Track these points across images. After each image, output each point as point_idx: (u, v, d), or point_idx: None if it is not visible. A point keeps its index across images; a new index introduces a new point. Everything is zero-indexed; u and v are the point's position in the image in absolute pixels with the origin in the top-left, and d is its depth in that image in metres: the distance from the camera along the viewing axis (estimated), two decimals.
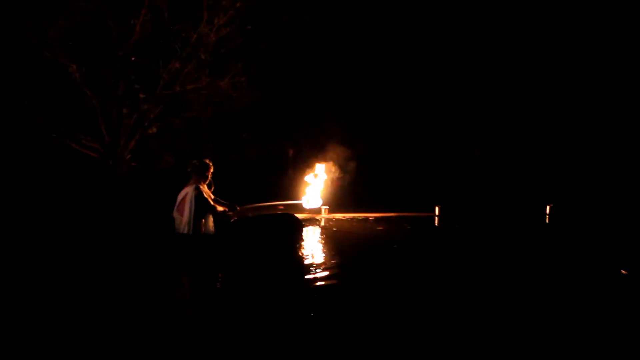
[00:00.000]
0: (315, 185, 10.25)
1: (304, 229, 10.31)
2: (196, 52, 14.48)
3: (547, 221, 12.40)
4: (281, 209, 10.65)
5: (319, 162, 10.61)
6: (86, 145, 14.02)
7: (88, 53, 13.23)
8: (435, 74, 18.23)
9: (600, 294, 6.95)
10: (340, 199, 12.25)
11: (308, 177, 10.22)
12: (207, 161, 8.00)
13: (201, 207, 7.79)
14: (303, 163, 14.16)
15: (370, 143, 14.56)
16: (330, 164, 11.33)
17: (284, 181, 15.55)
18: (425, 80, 18.18)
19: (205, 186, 8.01)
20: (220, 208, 8.12)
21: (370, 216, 12.80)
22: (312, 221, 11.88)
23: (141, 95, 14.04)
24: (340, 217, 12.56)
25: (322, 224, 11.80)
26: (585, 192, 15.16)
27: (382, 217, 12.75)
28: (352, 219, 12.52)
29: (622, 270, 7.98)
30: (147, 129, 14.50)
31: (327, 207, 12.36)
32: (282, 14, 15.85)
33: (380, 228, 11.53)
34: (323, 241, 9.96)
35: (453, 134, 17.79)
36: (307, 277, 7.32)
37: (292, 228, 9.38)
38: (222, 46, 14.78)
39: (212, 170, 8.03)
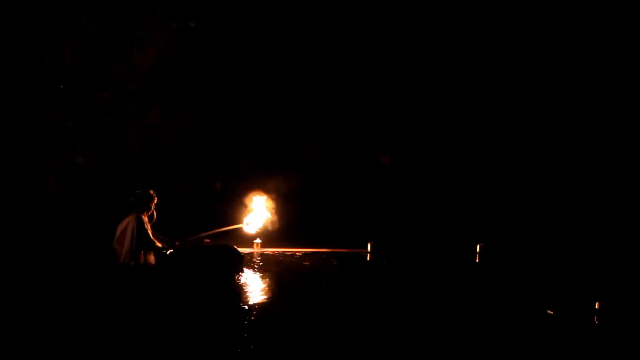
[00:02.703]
0: (257, 212, 10.44)
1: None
2: (126, 83, 14.29)
3: (477, 260, 12.76)
4: (207, 242, 10.65)
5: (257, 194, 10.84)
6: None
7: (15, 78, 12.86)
8: (369, 111, 18.31)
9: (525, 334, 7.32)
10: (272, 233, 12.32)
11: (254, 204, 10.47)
12: (151, 192, 7.96)
13: (141, 237, 7.72)
14: (231, 197, 14.14)
15: (302, 177, 14.72)
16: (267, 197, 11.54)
17: (211, 215, 15.39)
18: (356, 115, 18.28)
19: (147, 218, 7.96)
20: (159, 244, 8.06)
21: (299, 251, 12.88)
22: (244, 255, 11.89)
23: (68, 125, 13.72)
24: (270, 252, 12.59)
25: (254, 258, 11.82)
26: (516, 230, 15.66)
27: (311, 253, 12.84)
28: (281, 253, 12.59)
29: (548, 310, 8.38)
30: (73, 159, 14.12)
31: (260, 241, 12.39)
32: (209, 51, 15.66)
33: (307, 263, 11.69)
34: (254, 274, 10.26)
35: (382, 171, 17.94)
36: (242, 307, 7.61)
37: (231, 259, 9.44)
38: (154, 78, 14.64)
39: (155, 201, 7.99)
